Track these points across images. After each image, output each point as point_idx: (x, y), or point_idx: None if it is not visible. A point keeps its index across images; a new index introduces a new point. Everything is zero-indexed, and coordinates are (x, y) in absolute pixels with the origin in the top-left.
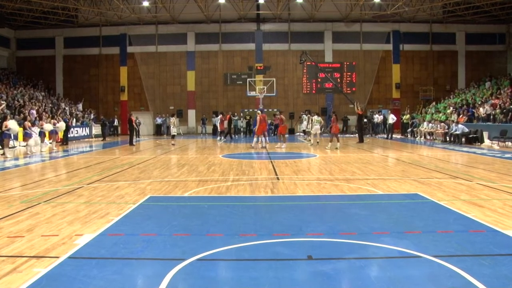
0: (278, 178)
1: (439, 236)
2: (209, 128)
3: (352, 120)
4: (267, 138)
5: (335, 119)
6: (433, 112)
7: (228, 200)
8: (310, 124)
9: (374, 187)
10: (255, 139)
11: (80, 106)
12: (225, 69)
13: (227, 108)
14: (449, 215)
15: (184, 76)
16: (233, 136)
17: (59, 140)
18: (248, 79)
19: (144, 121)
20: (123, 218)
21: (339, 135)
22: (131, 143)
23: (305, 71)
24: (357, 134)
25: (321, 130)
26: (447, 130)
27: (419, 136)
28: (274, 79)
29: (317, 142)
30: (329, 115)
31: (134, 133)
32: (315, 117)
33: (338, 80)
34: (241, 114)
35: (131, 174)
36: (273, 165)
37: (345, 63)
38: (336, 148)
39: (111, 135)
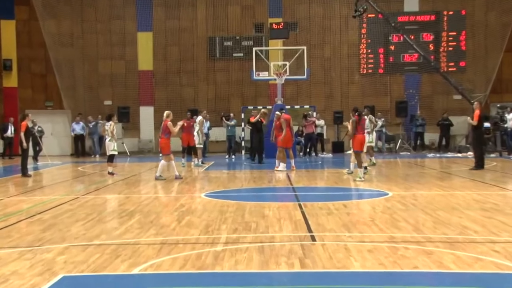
0: (313, 238)
1: None
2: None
3: (459, 125)
4: (291, 160)
5: (356, 122)
6: None
7: (218, 281)
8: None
9: (510, 260)
10: (281, 164)
11: None
12: (210, 30)
13: (215, 103)
14: None
15: (132, 42)
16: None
17: None
18: (254, 49)
19: (54, 129)
20: None
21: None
22: (24, 171)
23: (364, 31)
24: (468, 153)
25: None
26: None
27: None
28: (305, 48)
29: (371, 163)
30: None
31: (35, 150)
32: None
33: (431, 47)
34: (242, 116)
35: (26, 232)
36: (303, 212)
37: (444, 13)
38: (359, 179)
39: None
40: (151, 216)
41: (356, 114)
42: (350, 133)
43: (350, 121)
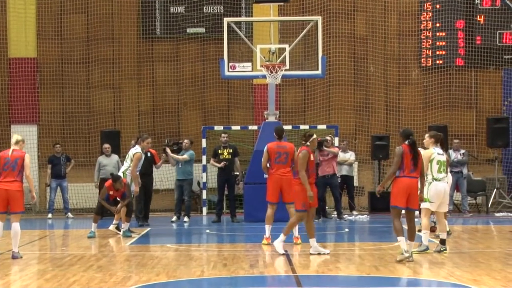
0: None
1: None
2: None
3: None
4: (293, 229)
5: (401, 156)
6: None
7: None
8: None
9: None
10: (279, 240)
11: None
12: None
13: (152, 120)
14: None
15: None
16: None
17: None
18: (226, 21)
19: None
20: None
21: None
22: None
23: None
24: None
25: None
26: None
27: None
28: (319, 20)
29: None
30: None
31: None
32: (433, 152)
33: None
34: (203, 144)
35: None
36: None
37: None
38: (401, 255)
39: None
40: None
41: (407, 141)
42: (389, 173)
43: (404, 144)
